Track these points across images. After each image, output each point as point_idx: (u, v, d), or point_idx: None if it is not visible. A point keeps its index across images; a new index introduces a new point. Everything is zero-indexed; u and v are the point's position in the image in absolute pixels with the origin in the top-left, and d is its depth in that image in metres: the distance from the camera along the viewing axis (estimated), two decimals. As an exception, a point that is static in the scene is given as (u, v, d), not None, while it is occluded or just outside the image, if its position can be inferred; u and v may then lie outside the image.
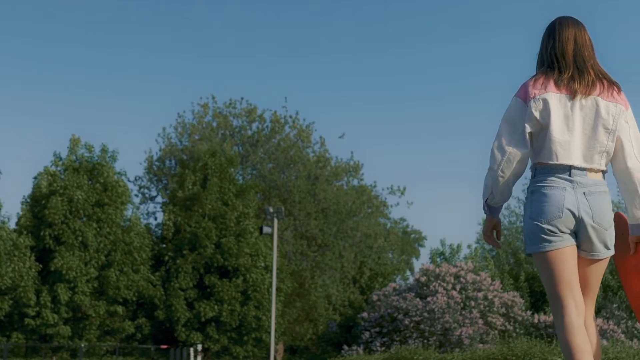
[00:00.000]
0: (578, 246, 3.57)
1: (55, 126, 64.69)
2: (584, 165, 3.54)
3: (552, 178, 3.53)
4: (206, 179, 39.13)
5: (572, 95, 3.56)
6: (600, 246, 3.56)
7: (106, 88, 67.21)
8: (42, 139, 66.57)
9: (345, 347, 31.59)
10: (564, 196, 3.49)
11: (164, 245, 39.02)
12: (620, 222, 3.77)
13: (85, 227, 36.64)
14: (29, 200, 38.93)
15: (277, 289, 38.25)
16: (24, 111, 65.17)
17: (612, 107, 3.58)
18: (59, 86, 65.29)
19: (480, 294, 30.75)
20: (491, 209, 3.69)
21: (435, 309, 29.62)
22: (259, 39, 68.98)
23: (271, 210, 34.45)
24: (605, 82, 3.63)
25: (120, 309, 36.89)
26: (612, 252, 3.63)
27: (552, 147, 3.53)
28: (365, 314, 31.81)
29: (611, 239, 3.59)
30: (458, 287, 31.15)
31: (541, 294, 38.65)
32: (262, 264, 37.82)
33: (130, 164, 79.99)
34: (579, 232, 3.54)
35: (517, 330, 29.92)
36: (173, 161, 47.02)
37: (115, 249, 37.06)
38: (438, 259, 48.11)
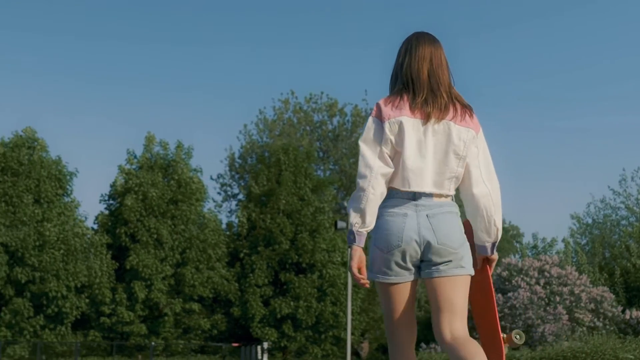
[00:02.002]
0: (427, 269, 3.47)
1: (132, 125, 65.25)
2: (433, 191, 3.48)
3: (397, 203, 3.47)
4: (281, 174, 38.40)
5: (426, 120, 3.48)
6: (447, 264, 3.46)
7: (187, 86, 67.36)
8: (121, 138, 67.21)
9: (423, 345, 30.31)
10: (405, 223, 3.43)
11: (240, 242, 38.44)
12: (470, 232, 3.68)
13: (160, 225, 36.40)
14: (106, 198, 39.07)
15: (355, 285, 37.17)
16: (101, 110, 65.91)
17: (464, 132, 3.53)
18: (136, 85, 65.86)
19: (566, 289, 29.05)
20: (359, 236, 3.47)
21: (517, 305, 28.12)
22: (336, 32, 68.07)
23: (345, 204, 33.36)
24: (458, 105, 3.56)
25: (196, 307, 36.52)
26: (468, 271, 3.50)
27: (404, 174, 3.46)
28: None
29: (465, 258, 3.50)
30: (542, 281, 29.51)
31: (638, 289, 36.52)
32: (339, 259, 36.83)
33: (213, 162, 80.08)
34: (424, 256, 3.46)
35: (607, 327, 28.14)
36: (254, 158, 46.55)
37: (190, 246, 36.67)
38: (529, 254, 46.28)
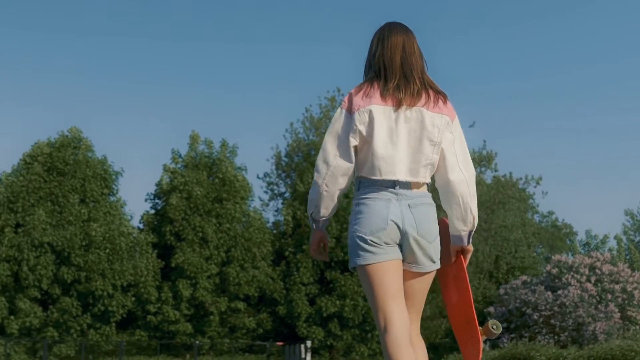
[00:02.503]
0: (403, 259, 3.47)
1: (177, 124, 65.29)
2: (409, 179, 3.47)
3: (376, 190, 3.44)
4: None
5: (397, 106, 3.45)
6: (424, 259, 3.48)
7: (232, 84, 67.27)
8: (166, 137, 67.18)
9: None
10: (389, 208, 3.41)
11: (285, 240, 38.17)
12: (444, 228, 3.66)
13: (205, 223, 36.33)
14: (151, 197, 39.18)
15: (402, 283, 36.73)
16: (146, 109, 65.92)
17: (437, 118, 3.49)
18: (181, 84, 65.89)
19: (618, 286, 28.22)
20: (317, 222, 3.59)
21: (567, 303, 27.36)
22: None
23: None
24: (431, 92, 3.53)
25: (241, 305, 36.34)
26: (437, 265, 3.53)
27: (375, 162, 3.44)
28: (491, 309, 29.83)
29: (436, 253, 3.51)
30: (593, 279, 28.70)
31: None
32: (385, 258, 36.36)
33: (259, 161, 79.92)
34: (403, 245, 3.45)
35: (663, 325, 27.28)
36: (301, 156, 46.26)
37: (235, 245, 36.50)
38: (582, 251, 45.37)
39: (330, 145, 3.45)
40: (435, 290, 37.08)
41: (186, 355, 35.80)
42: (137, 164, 64.47)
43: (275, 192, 47.49)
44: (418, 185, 3.49)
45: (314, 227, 3.61)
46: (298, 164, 42.39)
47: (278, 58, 66.99)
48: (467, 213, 3.54)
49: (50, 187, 35.36)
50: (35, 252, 33.22)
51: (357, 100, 3.45)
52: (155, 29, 63.20)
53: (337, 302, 35.58)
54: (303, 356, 27.34)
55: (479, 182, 43.90)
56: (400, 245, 3.44)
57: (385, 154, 3.41)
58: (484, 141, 50.80)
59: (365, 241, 3.38)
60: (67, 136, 37.08)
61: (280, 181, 47.55)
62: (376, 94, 3.46)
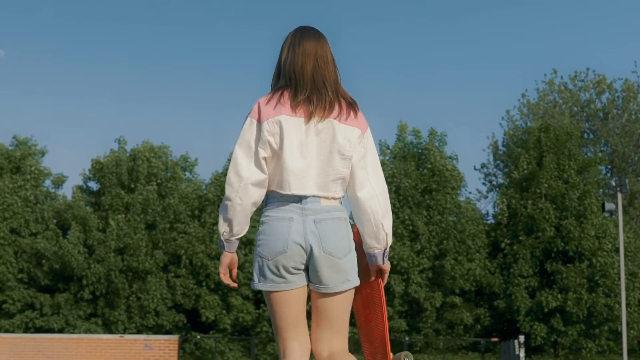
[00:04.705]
0: (310, 280, 3.26)
1: (385, 115, 64.58)
2: (318, 193, 3.24)
3: (281, 207, 3.24)
4: (542, 157, 35.64)
5: (308, 118, 3.25)
6: (334, 277, 3.22)
7: (440, 72, 65.69)
8: (375, 129, 66.24)
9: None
10: (290, 227, 3.21)
11: (500, 231, 36.17)
12: (359, 242, 3.39)
13: (415, 216, 35.20)
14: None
15: (631, 273, 33.61)
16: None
17: (349, 131, 3.29)
18: (387, 72, 65.17)
19: None
20: (229, 243, 3.31)
21: None
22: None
23: (613, 184, 30.02)
24: (344, 103, 3.33)
25: (457, 300, 34.83)
26: (353, 283, 3.28)
27: (285, 176, 3.21)
28: None
29: (351, 269, 3.26)
30: None
31: None
32: (610, 246, 33.47)
33: (474, 151, 77.17)
34: (310, 264, 3.23)
35: None
36: (519, 145, 44.10)
37: (448, 237, 35.03)
38: None
39: (241, 157, 3.24)
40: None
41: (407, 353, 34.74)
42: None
43: (494, 183, 45.50)
44: (328, 200, 3.26)
45: (225, 249, 3.34)
46: (512, 150, 40.22)
47: (487, 45, 64.78)
48: (379, 230, 3.30)
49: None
50: (244, 249, 33.53)
51: (267, 110, 3.24)
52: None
53: (559, 295, 33.15)
54: (517, 352, 25.46)
55: None
56: (308, 266, 3.24)
57: (295, 168, 3.21)
58: None
59: (267, 267, 3.22)
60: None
61: (498, 172, 45.53)
62: (286, 104, 3.26)
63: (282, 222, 3.20)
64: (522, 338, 26.08)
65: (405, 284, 34.51)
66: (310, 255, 3.21)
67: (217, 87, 66.31)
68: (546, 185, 34.63)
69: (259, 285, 3.26)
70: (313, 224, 3.20)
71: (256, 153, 3.22)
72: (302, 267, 3.24)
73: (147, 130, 70.95)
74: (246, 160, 3.22)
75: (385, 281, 3.41)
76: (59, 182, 38.60)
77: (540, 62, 67.54)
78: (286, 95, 3.28)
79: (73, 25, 60.86)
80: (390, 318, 34.74)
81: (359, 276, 3.35)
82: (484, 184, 46.07)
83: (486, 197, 44.72)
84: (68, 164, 68.03)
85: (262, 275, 3.24)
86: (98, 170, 37.16)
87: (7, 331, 33.33)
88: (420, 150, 37.38)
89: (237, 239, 3.34)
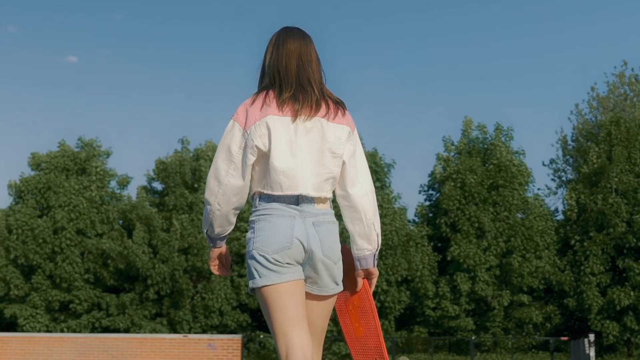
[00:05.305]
0: (305, 281, 3.20)
1: (448, 110, 63.50)
2: (313, 194, 3.16)
3: (278, 206, 3.14)
4: (612, 150, 34.58)
5: (295, 116, 3.18)
6: (328, 281, 3.21)
7: (505, 66, 64.43)
8: (436, 125, 65.33)
9: None
10: (293, 225, 3.12)
11: (569, 227, 35.19)
12: (347, 255, 3.34)
13: (481, 212, 34.49)
14: (425, 189, 38.13)
15: None
16: (415, 99, 64.89)
17: (339, 129, 3.24)
18: (452, 67, 64.14)
19: None
20: (213, 239, 3.32)
21: None
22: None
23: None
24: (330, 102, 3.28)
25: (525, 298, 34.01)
26: (340, 288, 3.26)
27: (275, 177, 3.13)
28: None
29: (339, 274, 3.24)
30: None
31: None
32: (685, 242, 32.29)
33: (544, 145, 75.46)
34: (306, 265, 3.17)
35: None
36: (588, 139, 42.97)
37: (515, 234, 34.22)
38: None
39: (221, 161, 3.19)
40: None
41: (476, 353, 34.03)
42: (411, 155, 63.67)
43: (563, 179, 44.43)
44: (321, 200, 3.22)
45: (212, 244, 3.35)
46: (581, 144, 39.13)
47: (559, 39, 63.38)
48: (370, 229, 3.25)
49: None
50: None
51: (253, 112, 3.18)
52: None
53: (632, 293, 32.07)
54: (587, 351, 24.63)
55: None
56: (302, 266, 3.17)
57: (285, 168, 3.14)
58: None
59: (268, 260, 3.09)
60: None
61: (568, 167, 44.42)
62: (272, 103, 3.19)
63: (283, 220, 3.12)
64: (592, 337, 25.26)
65: (472, 282, 33.86)
66: (310, 257, 3.15)
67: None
68: (617, 179, 33.60)
69: (259, 281, 3.12)
70: (312, 226, 3.15)
71: (238, 158, 3.16)
72: (299, 264, 3.17)
73: (210, 130, 71.25)
74: (225, 164, 3.18)
75: (373, 287, 3.33)
76: (123, 182, 38.90)
77: (610, 54, 65.69)
78: (271, 94, 3.22)
79: (137, 26, 61.47)
80: (456, 317, 34.12)
81: (346, 289, 3.34)
82: (553, 179, 45.04)
83: (555, 194, 43.71)
84: (133, 164, 68.86)
85: (263, 270, 3.11)
86: (162, 170, 37.37)
87: (74, 331, 33.71)
88: (485, 146, 36.69)
89: (221, 236, 3.31)
